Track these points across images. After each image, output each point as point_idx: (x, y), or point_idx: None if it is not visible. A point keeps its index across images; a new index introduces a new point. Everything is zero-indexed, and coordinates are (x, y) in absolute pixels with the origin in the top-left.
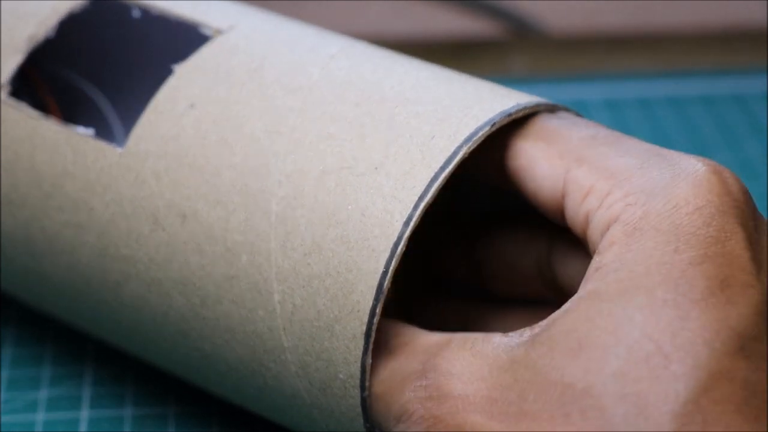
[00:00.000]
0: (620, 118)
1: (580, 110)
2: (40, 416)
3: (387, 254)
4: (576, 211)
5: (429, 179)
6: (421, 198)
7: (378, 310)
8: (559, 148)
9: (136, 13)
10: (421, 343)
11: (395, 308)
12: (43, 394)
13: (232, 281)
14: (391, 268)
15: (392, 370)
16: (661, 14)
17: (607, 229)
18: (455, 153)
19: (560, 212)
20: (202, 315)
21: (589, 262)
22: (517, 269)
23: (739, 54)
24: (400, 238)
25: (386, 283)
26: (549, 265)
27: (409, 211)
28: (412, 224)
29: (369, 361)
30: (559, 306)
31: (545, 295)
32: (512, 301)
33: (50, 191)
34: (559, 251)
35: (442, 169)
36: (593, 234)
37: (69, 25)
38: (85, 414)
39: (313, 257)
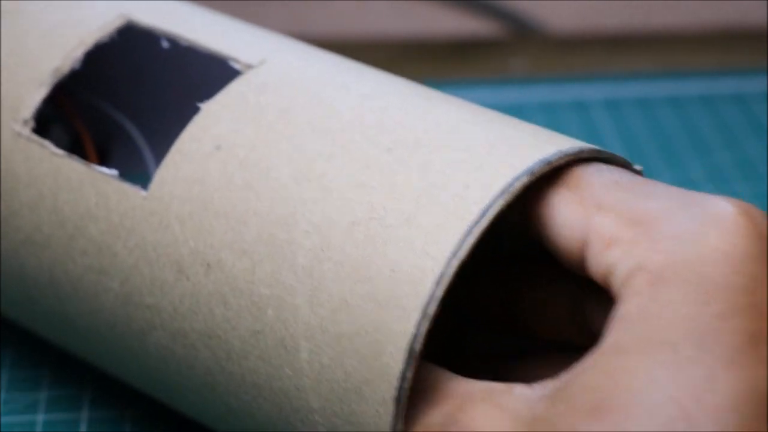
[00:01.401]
0: (620, 119)
1: (580, 110)
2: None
3: (418, 315)
4: (598, 261)
5: (462, 234)
6: (454, 255)
7: (409, 375)
8: (581, 194)
9: (165, 44)
10: (445, 391)
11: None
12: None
13: (258, 336)
14: (423, 330)
15: (415, 420)
16: (661, 14)
17: (631, 277)
18: (490, 205)
19: (579, 261)
20: (228, 369)
21: None
22: (547, 310)
23: (739, 54)
24: (431, 298)
25: (418, 347)
26: (581, 310)
27: (442, 268)
28: (444, 283)
29: (400, 427)
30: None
31: (577, 339)
32: (544, 341)
33: (74, 233)
34: (591, 296)
35: (477, 222)
36: (616, 283)
37: (99, 54)
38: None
39: (342, 314)
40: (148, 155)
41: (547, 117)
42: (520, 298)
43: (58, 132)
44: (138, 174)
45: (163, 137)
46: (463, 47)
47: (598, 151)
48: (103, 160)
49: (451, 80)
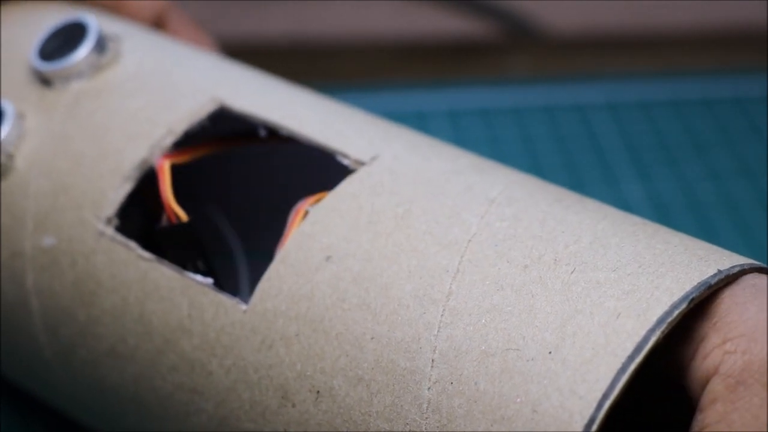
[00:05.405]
0: (620, 120)
1: (579, 112)
2: None
3: None
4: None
5: (615, 372)
6: (605, 396)
7: None
8: None
9: (262, 132)
10: None
11: None
12: None
13: None
14: None
15: None
16: (661, 15)
17: (707, 381)
18: (646, 339)
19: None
20: None
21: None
22: None
23: (739, 55)
24: None
25: None
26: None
27: (591, 411)
28: (594, 427)
29: None
30: None
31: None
32: None
33: (162, 347)
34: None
35: (631, 359)
36: (692, 385)
37: (186, 139)
38: None
39: None
40: (236, 247)
41: (547, 119)
42: None
43: (136, 215)
44: (222, 261)
45: (255, 232)
46: (462, 48)
47: (760, 267)
48: None
49: (451, 81)
